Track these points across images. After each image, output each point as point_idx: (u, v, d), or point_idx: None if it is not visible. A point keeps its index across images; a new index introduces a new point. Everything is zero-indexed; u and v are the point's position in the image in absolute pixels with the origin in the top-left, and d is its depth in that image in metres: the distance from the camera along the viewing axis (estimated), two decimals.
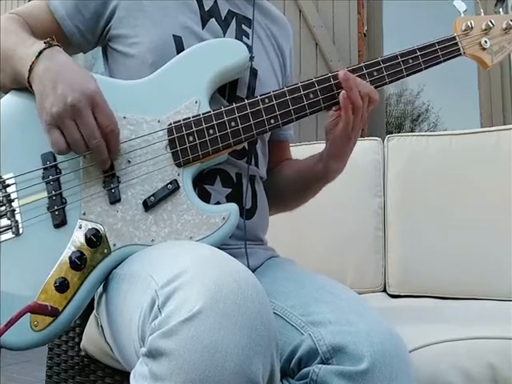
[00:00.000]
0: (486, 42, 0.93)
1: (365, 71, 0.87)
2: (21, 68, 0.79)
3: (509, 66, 2.84)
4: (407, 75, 0.89)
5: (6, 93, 0.85)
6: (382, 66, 0.88)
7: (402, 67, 0.89)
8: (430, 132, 1.76)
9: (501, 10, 0.95)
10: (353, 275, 1.51)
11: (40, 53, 0.77)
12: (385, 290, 1.51)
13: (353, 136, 0.88)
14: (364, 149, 1.60)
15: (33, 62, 0.77)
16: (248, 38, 0.96)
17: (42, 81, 0.76)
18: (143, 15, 0.89)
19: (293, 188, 1.05)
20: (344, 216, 1.56)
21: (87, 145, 0.75)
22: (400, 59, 0.89)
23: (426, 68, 0.90)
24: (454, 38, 0.92)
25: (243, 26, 0.97)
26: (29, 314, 0.69)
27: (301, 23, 3.07)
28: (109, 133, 0.75)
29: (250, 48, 0.93)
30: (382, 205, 1.55)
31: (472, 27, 0.93)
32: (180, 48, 0.87)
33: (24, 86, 0.80)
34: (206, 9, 0.94)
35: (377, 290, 1.51)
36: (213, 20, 0.94)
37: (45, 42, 0.79)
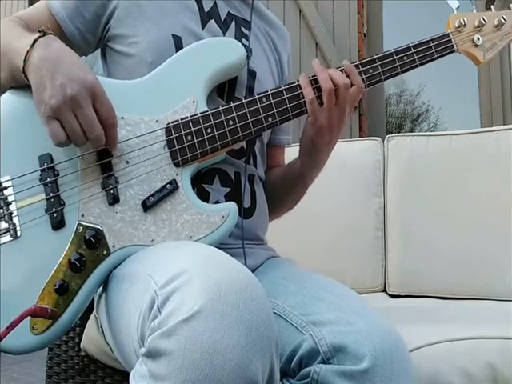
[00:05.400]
0: (478, 38, 0.94)
1: (361, 69, 0.88)
2: (16, 59, 0.77)
3: (509, 66, 2.83)
4: (402, 72, 0.90)
5: (3, 93, 0.83)
6: (378, 63, 0.88)
7: (397, 64, 0.89)
8: (429, 132, 1.76)
9: (492, 7, 0.95)
10: (353, 275, 1.51)
11: (34, 42, 0.76)
12: (385, 290, 1.51)
13: (332, 125, 0.85)
14: (364, 149, 1.60)
15: (27, 52, 0.75)
16: (247, 40, 0.96)
17: (39, 70, 0.74)
18: (143, 15, 0.89)
19: (275, 192, 1.03)
20: (344, 216, 1.56)
21: (86, 136, 0.74)
22: (395, 56, 0.89)
23: (420, 65, 0.91)
24: (447, 35, 0.93)
25: (242, 29, 0.97)
26: (28, 317, 0.69)
27: (301, 23, 3.07)
28: (109, 125, 0.75)
29: (249, 49, 0.93)
30: (382, 205, 1.55)
31: (465, 24, 0.94)
32: (179, 48, 0.87)
33: (21, 83, 0.79)
34: (206, 10, 0.94)
35: (377, 290, 1.51)
36: (212, 21, 0.94)
37: (39, 31, 0.77)
